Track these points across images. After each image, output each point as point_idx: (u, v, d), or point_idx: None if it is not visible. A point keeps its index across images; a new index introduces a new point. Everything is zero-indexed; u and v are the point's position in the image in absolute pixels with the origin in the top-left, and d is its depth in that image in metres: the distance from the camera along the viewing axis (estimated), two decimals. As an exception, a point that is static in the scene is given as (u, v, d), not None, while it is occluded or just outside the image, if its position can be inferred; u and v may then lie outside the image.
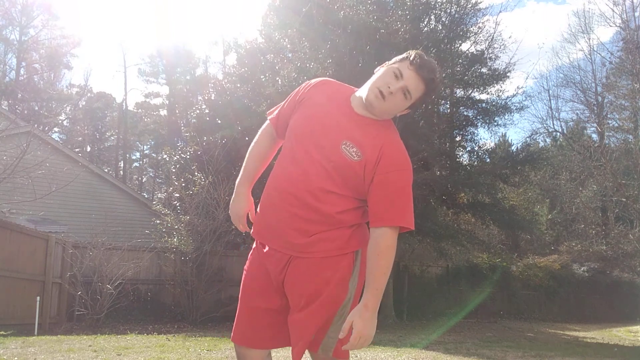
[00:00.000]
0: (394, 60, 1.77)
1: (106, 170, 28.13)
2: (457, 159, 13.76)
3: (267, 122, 1.99)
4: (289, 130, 1.86)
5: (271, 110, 2.00)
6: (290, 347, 1.85)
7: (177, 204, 11.31)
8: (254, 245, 1.94)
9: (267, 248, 1.85)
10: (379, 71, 1.78)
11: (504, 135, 23.27)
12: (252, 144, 2.01)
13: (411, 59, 1.72)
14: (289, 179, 1.78)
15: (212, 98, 14.37)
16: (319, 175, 1.74)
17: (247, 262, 1.94)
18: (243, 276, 1.93)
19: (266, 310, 1.84)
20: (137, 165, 39.20)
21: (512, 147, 17.18)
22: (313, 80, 1.93)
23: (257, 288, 1.87)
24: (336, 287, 1.77)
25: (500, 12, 29.77)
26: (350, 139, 1.73)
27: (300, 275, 1.78)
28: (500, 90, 13.09)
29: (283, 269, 1.80)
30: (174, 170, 12.66)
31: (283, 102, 1.95)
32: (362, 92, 1.79)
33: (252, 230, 1.93)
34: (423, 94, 1.75)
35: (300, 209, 1.75)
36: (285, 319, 1.83)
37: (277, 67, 12.61)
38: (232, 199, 2.00)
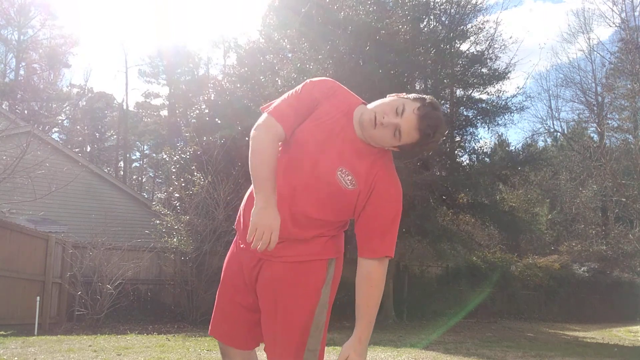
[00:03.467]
0: (409, 95, 1.69)
1: (106, 170, 28.12)
2: (457, 160, 13.77)
3: (276, 123, 1.70)
4: (292, 139, 1.74)
5: (279, 111, 1.73)
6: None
7: (177, 204, 11.31)
8: (233, 244, 1.93)
9: (242, 245, 1.83)
10: (390, 97, 1.70)
11: (501, 135, 23.26)
12: (265, 150, 1.68)
13: (421, 104, 1.64)
14: (280, 196, 1.70)
15: (212, 98, 14.38)
16: (307, 200, 1.68)
17: (227, 258, 1.92)
18: (223, 271, 1.91)
19: (240, 306, 1.84)
20: (137, 165, 39.20)
21: (512, 148, 17.21)
22: (322, 85, 1.78)
23: (234, 283, 1.86)
24: (308, 293, 1.74)
25: (501, 11, 29.83)
26: (346, 166, 1.68)
27: (272, 280, 1.75)
28: (500, 91, 13.12)
29: (254, 267, 1.79)
30: (173, 170, 12.66)
31: (290, 103, 1.75)
32: (365, 110, 1.71)
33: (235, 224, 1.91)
34: (414, 143, 1.66)
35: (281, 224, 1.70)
36: (258, 320, 1.83)
37: (276, 68, 12.62)
38: (259, 208, 1.61)
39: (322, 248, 1.76)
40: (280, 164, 1.70)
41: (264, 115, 1.74)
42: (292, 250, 1.74)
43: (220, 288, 1.91)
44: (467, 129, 13.58)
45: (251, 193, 1.76)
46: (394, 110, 1.63)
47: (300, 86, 1.79)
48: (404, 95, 1.70)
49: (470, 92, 13.43)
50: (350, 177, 1.67)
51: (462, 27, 12.86)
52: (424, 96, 1.68)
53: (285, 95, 1.78)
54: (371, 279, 1.68)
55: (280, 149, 1.75)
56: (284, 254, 1.74)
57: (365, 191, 1.68)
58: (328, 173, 1.68)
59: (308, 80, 1.80)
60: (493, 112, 12.97)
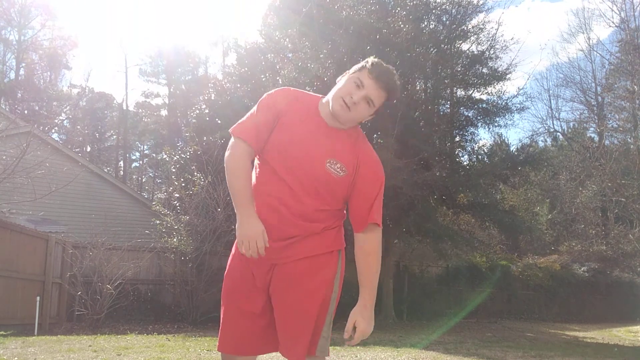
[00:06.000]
0: (353, 69, 1.82)
1: (106, 170, 28.10)
2: (457, 160, 13.76)
3: (241, 141, 1.82)
4: (271, 150, 1.82)
5: (242, 129, 1.85)
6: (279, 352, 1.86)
7: (177, 204, 11.30)
8: (233, 251, 1.91)
9: None
10: (341, 80, 1.83)
11: (500, 135, 23.26)
12: (235, 166, 1.80)
13: (369, 68, 1.77)
14: (280, 200, 1.78)
15: (212, 98, 14.36)
16: (310, 198, 1.79)
17: (228, 268, 1.92)
18: (225, 282, 1.91)
19: (251, 313, 1.85)
20: (137, 165, 39.21)
21: (512, 148, 17.21)
22: (280, 94, 1.89)
23: (242, 291, 1.86)
24: (323, 287, 1.81)
25: (503, 11, 29.74)
26: (333, 156, 1.80)
27: (287, 279, 1.81)
28: (501, 91, 13.09)
29: (267, 272, 1.83)
30: (173, 170, 12.66)
31: (252, 119, 1.86)
32: (328, 101, 1.83)
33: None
34: (385, 100, 1.82)
35: (289, 225, 1.79)
36: (267, 323, 1.84)
37: (277, 67, 12.61)
38: (240, 222, 1.73)
39: (332, 240, 1.86)
40: (274, 174, 1.80)
41: (231, 138, 1.87)
42: (301, 248, 1.80)
43: (225, 301, 1.90)
44: (468, 129, 13.58)
45: None
46: (355, 86, 1.77)
47: (262, 99, 1.90)
48: (348, 72, 1.84)
49: (470, 92, 13.40)
50: (339, 165, 1.80)
51: (463, 27, 12.82)
52: (364, 61, 1.81)
53: (249, 113, 1.91)
54: (368, 248, 1.82)
55: (259, 162, 1.86)
56: (293, 253, 1.80)
57: (353, 173, 1.82)
58: (319, 168, 1.78)
59: (266, 94, 1.92)
60: (493, 112, 12.95)
